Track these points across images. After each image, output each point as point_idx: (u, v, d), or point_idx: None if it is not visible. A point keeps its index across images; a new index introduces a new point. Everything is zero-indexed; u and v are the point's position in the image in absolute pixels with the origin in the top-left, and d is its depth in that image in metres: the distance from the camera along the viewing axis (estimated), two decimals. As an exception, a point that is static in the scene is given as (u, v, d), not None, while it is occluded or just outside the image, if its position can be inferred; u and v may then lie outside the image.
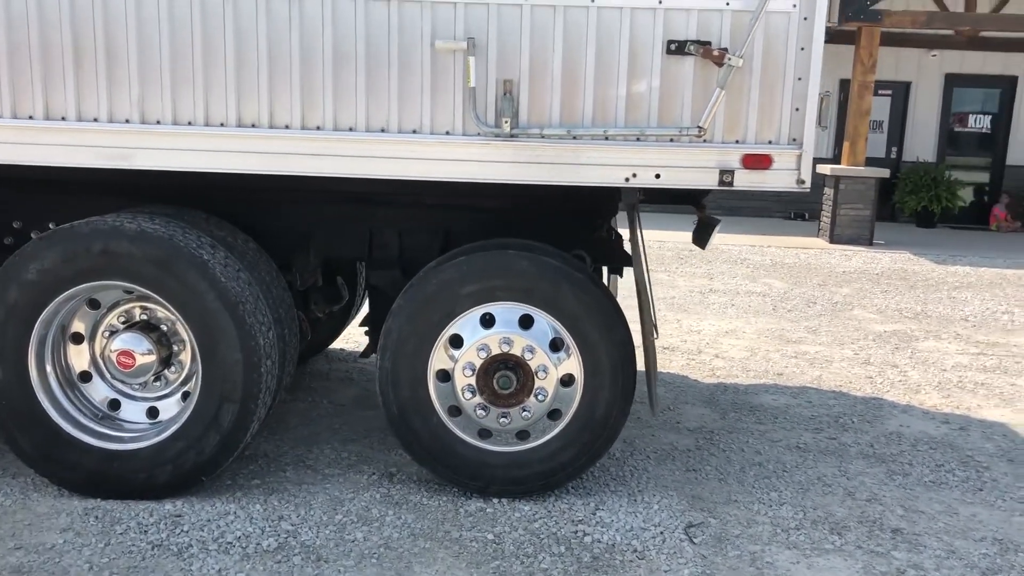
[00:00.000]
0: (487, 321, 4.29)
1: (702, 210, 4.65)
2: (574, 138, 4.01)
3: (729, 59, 3.86)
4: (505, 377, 4.25)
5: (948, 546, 4.15)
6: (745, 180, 4.04)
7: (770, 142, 4.04)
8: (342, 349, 7.05)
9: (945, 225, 17.04)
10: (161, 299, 4.16)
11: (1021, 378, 6.93)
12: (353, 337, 7.25)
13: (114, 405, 4.48)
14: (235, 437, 4.28)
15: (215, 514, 4.19)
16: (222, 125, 4.06)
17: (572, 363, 4.30)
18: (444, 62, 4.00)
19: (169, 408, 4.48)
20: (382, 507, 4.34)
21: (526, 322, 4.28)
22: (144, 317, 4.41)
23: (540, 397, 4.29)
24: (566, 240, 4.74)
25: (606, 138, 3.99)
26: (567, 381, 4.32)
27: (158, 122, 4.06)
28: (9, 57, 4.00)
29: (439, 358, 4.31)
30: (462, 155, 4.05)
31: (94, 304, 4.38)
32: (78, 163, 4.09)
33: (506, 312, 4.27)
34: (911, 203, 16.73)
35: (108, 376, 4.46)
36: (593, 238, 4.94)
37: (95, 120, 4.06)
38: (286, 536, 4.02)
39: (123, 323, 4.41)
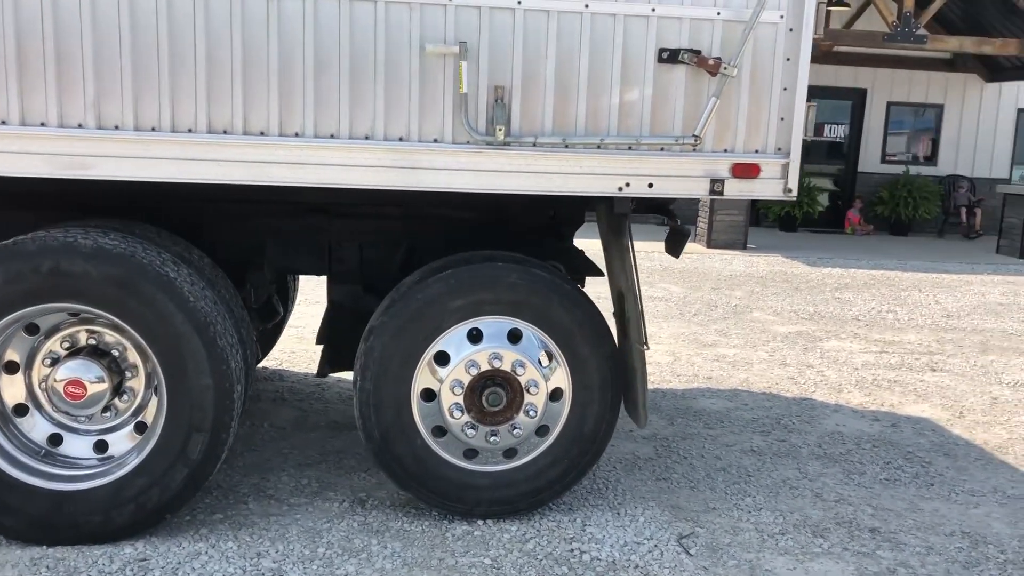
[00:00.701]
0: (474, 337, 4.12)
1: (674, 220, 4.64)
2: (566, 147, 3.91)
3: (724, 68, 3.86)
4: (495, 394, 4.10)
5: (924, 542, 4.29)
6: (735, 189, 4.04)
7: (757, 151, 4.06)
8: (265, 368, 6.68)
9: (805, 229, 17.91)
10: (122, 323, 3.78)
11: (926, 374, 7.31)
12: (273, 355, 6.89)
13: (55, 440, 4.05)
14: (204, 469, 3.94)
15: (185, 555, 3.85)
16: (190, 131, 3.73)
17: (561, 377, 4.20)
18: (433, 67, 3.81)
19: (120, 441, 4.07)
20: (364, 536, 4.09)
21: (514, 337, 4.15)
22: (92, 342, 4.00)
23: (531, 413, 4.16)
24: (535, 251, 4.62)
25: (598, 147, 3.90)
26: (555, 396, 4.20)
27: (117, 127, 3.69)
28: (-59, 53, 3.54)
29: (424, 377, 4.11)
30: (452, 164, 3.87)
31: (32, 329, 3.94)
32: (28, 172, 3.66)
33: (494, 327, 4.12)
34: (775, 208, 17.51)
35: (48, 408, 4.02)
36: (562, 248, 4.86)
37: (42, 125, 3.65)
38: (271, 575, 3.72)
39: (67, 349, 3.99)
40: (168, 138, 3.71)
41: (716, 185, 4.01)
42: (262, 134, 3.77)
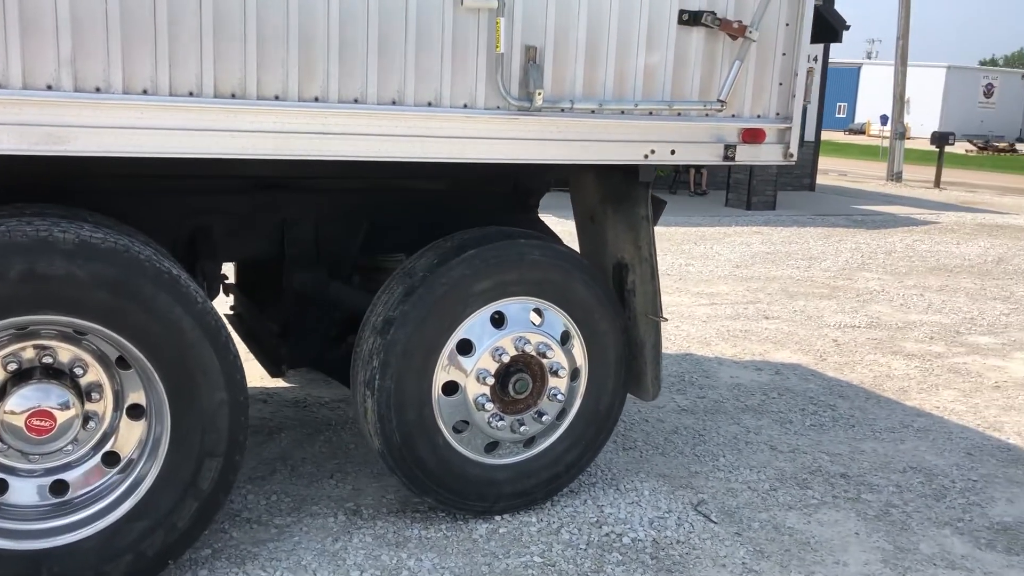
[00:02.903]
0: (496, 321, 3.79)
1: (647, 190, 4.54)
2: (592, 112, 3.67)
3: (750, 32, 3.80)
4: (521, 380, 3.81)
5: (891, 481, 4.61)
6: (744, 155, 4.02)
7: (758, 116, 4.06)
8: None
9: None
10: (117, 335, 3.04)
11: (762, 322, 7.85)
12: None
13: (-2, 487, 3.21)
14: (215, 501, 3.33)
15: (204, 605, 3.23)
16: (191, 95, 3.04)
17: (578, 356, 3.99)
18: (466, 24, 3.40)
19: (84, 479, 3.31)
20: (388, 551, 3.67)
21: (537, 317, 3.87)
22: (47, 360, 3.19)
23: (558, 397, 3.92)
24: (504, 222, 4.34)
25: (623, 113, 3.69)
26: (574, 376, 3.99)
27: (98, 90, 2.92)
28: None
29: (446, 368, 3.72)
30: (488, 132, 3.50)
31: (-39, 351, 3.07)
32: (-6, 149, 2.80)
33: (517, 308, 3.81)
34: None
35: (-15, 449, 3.17)
36: (530, 220, 4.59)
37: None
38: (323, 612, 3.23)
39: (12, 372, 3.15)
40: (166, 103, 3.00)
41: (729, 151, 3.97)
42: (277, 98, 3.17)
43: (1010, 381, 6.44)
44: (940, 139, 24.40)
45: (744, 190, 16.59)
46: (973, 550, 3.94)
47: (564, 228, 5.30)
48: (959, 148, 37.42)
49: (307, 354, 4.30)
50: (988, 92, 60.21)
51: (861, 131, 55.40)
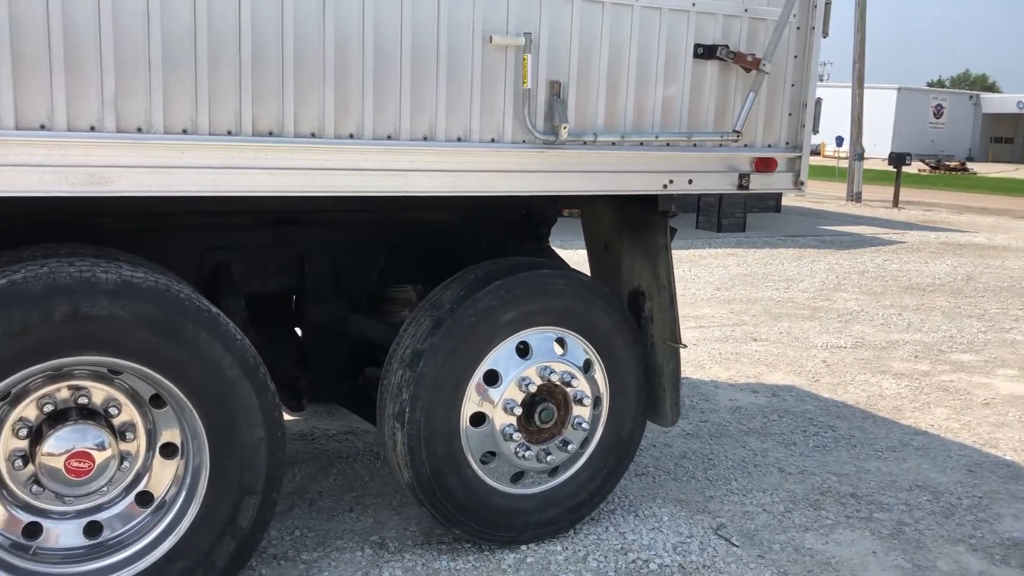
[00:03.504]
0: (521, 351, 3.83)
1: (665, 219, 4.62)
2: (613, 144, 3.74)
3: (763, 65, 3.91)
4: (547, 409, 3.84)
5: (900, 500, 4.70)
6: (757, 183, 4.12)
7: (770, 146, 4.17)
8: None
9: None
10: (157, 375, 3.03)
11: (751, 344, 7.95)
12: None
13: (32, 531, 3.17)
14: (253, 539, 3.32)
15: (245, 645, 3.20)
16: (230, 134, 3.06)
17: (600, 384, 4.03)
18: (494, 61, 3.46)
19: (118, 520, 3.28)
20: (421, 584, 3.67)
21: (560, 346, 3.91)
22: (82, 401, 3.16)
23: (583, 426, 3.95)
24: (515, 251, 4.39)
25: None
26: (596, 404, 4.04)
27: (139, 130, 2.93)
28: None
29: (473, 400, 3.74)
30: (515, 165, 3.55)
31: (-3, 393, 3.04)
32: (39, 191, 2.79)
33: (542, 338, 3.85)
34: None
35: (18, 492, 3.13)
36: (541, 249, 4.65)
37: (42, 128, 2.80)
38: (364, 648, 3.22)
39: (47, 413, 3.12)
40: (205, 142, 3.02)
41: (743, 179, 4.06)
42: (313, 136, 3.20)
43: (998, 398, 6.60)
44: (897, 159, 24.93)
45: (714, 212, 16.80)
46: (989, 566, 4.03)
47: (566, 256, 5.35)
48: (912, 168, 38.25)
49: (326, 387, 4.30)
50: (938, 113, 61.70)
51: (816, 152, 56.37)
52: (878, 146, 49.23)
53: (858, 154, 26.02)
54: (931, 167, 45.02)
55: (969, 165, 47.88)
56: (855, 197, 25.56)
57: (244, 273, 3.98)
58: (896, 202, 24.38)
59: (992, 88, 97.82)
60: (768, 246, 14.59)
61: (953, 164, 46.32)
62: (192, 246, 3.84)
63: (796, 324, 8.84)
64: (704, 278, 11.28)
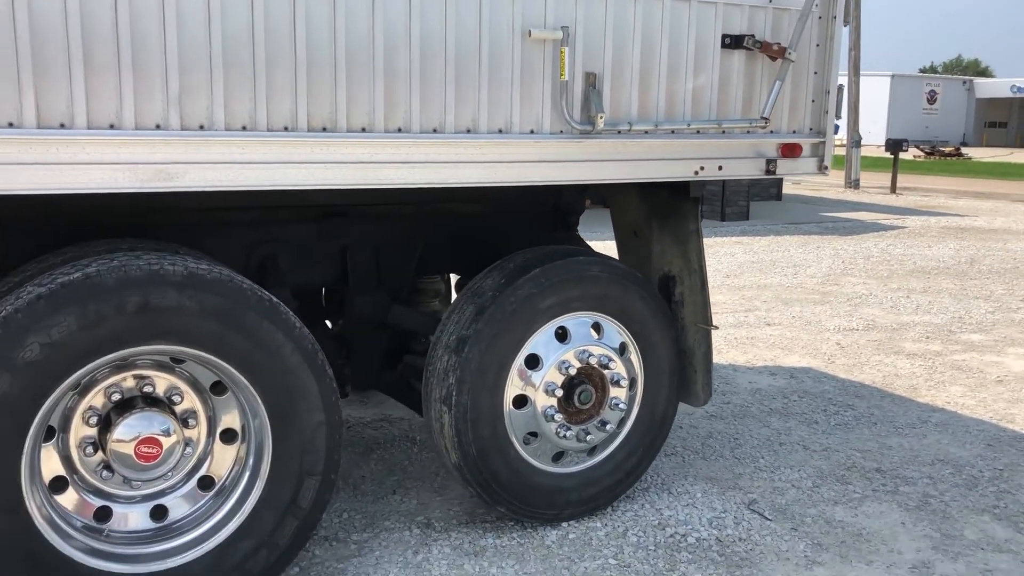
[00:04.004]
0: (560, 335, 3.96)
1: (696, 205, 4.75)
2: (646, 133, 3.87)
3: (788, 54, 4.03)
4: (586, 391, 3.98)
5: (923, 474, 4.85)
6: (783, 168, 4.25)
7: (794, 132, 4.29)
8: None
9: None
10: (222, 362, 3.16)
11: (765, 329, 8.10)
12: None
13: (102, 514, 3.29)
14: (313, 519, 3.45)
15: (309, 620, 3.34)
16: (286, 130, 3.19)
17: (635, 366, 4.17)
18: (533, 54, 3.59)
19: (181, 503, 3.41)
20: (471, 560, 3.81)
21: (596, 331, 4.04)
22: (147, 389, 3.29)
23: (620, 407, 4.09)
24: (546, 240, 4.53)
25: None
26: (631, 385, 4.17)
27: (202, 127, 3.05)
28: (-18, 38, 2.71)
29: (515, 383, 3.88)
30: (553, 155, 3.68)
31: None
32: (110, 187, 2.92)
33: (579, 323, 3.99)
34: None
35: (89, 477, 3.26)
36: (571, 237, 4.78)
37: (112, 127, 2.92)
38: (423, 621, 3.36)
39: (115, 402, 3.25)
40: (264, 138, 3.14)
41: (770, 165, 4.19)
42: (364, 130, 3.32)
43: (1010, 375, 6.75)
44: (895, 146, 25.07)
45: (717, 201, 16.93)
46: (1015, 534, 4.17)
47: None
48: (907, 154, 38.42)
49: (369, 375, 4.42)
50: (931, 99, 61.89)
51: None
52: (872, 133, 49.41)
53: (855, 141, 26.18)
54: (926, 153, 45.18)
55: (964, 150, 48.06)
56: (853, 184, 25.70)
57: (290, 266, 4.11)
58: (894, 188, 24.53)
59: (985, 73, 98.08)
60: (772, 233, 14.73)
61: (948, 149, 46.47)
62: (241, 240, 3.97)
63: (807, 308, 8.98)
64: (713, 266, 11.40)
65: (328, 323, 5.01)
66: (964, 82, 66.19)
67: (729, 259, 11.95)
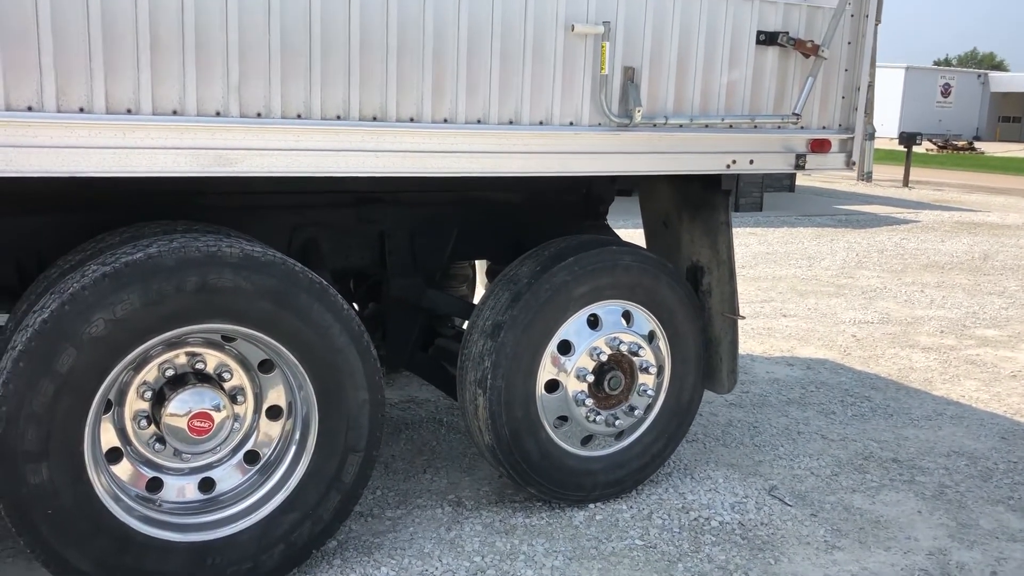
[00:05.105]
0: (591, 323, 4.08)
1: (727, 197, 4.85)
2: (681, 127, 3.97)
3: (822, 51, 4.13)
4: (615, 377, 4.10)
5: (939, 465, 4.96)
6: (813, 163, 4.34)
7: (824, 128, 4.39)
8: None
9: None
10: (275, 341, 3.29)
11: (781, 320, 8.21)
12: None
13: (153, 485, 3.43)
14: (355, 493, 3.58)
15: (349, 591, 3.47)
16: (339, 118, 3.30)
17: (663, 354, 4.29)
18: (575, 48, 3.69)
19: (229, 476, 3.54)
20: (503, 538, 3.94)
21: (626, 319, 4.16)
22: (199, 366, 3.42)
23: (648, 393, 4.21)
24: (576, 229, 4.64)
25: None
26: (659, 372, 4.29)
27: (259, 115, 3.17)
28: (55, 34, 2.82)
29: (547, 368, 4.00)
30: (592, 147, 3.79)
31: (124, 358, 3.29)
32: (168, 171, 3.04)
33: (610, 311, 4.10)
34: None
35: (142, 449, 3.39)
36: (600, 226, 4.89)
37: (175, 113, 3.04)
38: (459, 594, 3.49)
39: (167, 378, 3.38)
40: (318, 126, 3.26)
41: (800, 159, 4.29)
42: (412, 120, 3.44)
43: (1024, 371, 6.86)
44: (908, 139, 25.05)
45: (758, 193, 16.98)
46: (1029, 524, 4.30)
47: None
48: (920, 147, 38.40)
49: (402, 357, 4.55)
50: (945, 92, 61.68)
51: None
52: (885, 126, 49.32)
53: (869, 134, 26.16)
54: (938, 146, 45.04)
55: (977, 144, 47.93)
56: (866, 177, 25.70)
57: (331, 250, 4.23)
58: (906, 181, 24.53)
59: (1000, 67, 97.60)
60: (786, 225, 14.80)
61: (961, 143, 46.33)
62: (285, 224, 4.08)
63: (822, 300, 9.08)
64: (727, 256, 11.50)
65: (355, 306, 5.14)
66: (979, 76, 65.91)
67: (743, 250, 12.03)
